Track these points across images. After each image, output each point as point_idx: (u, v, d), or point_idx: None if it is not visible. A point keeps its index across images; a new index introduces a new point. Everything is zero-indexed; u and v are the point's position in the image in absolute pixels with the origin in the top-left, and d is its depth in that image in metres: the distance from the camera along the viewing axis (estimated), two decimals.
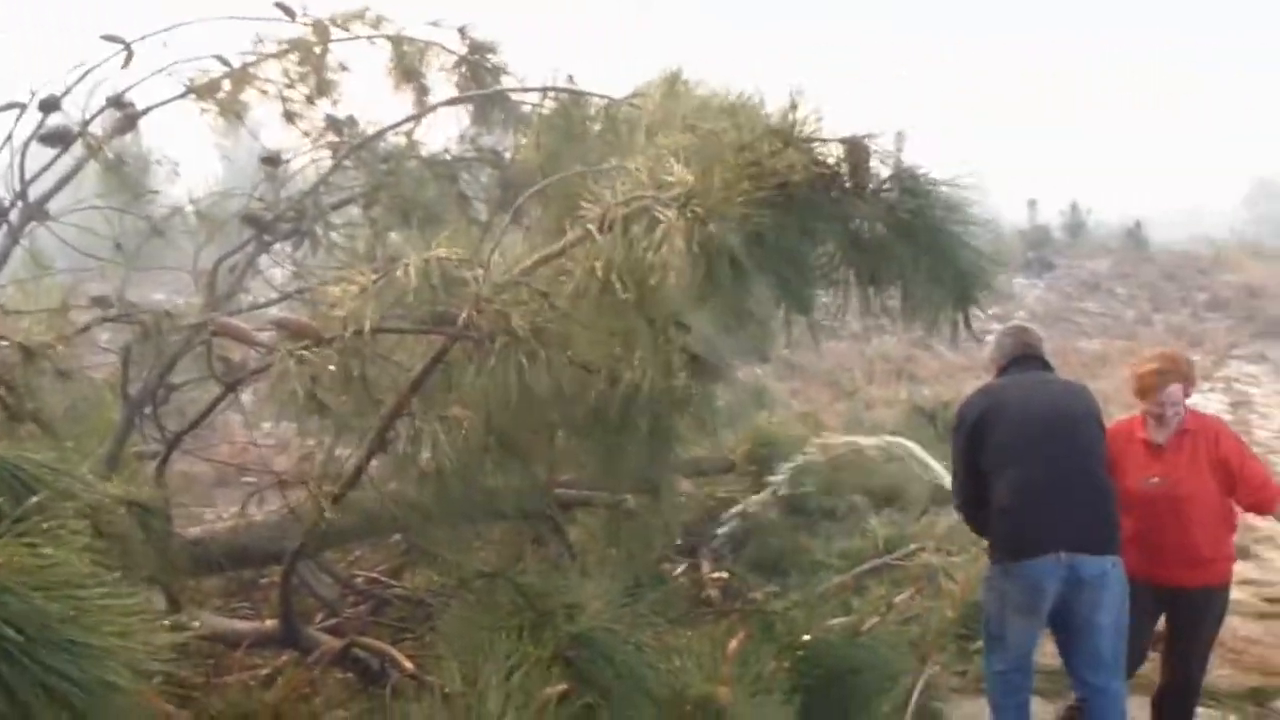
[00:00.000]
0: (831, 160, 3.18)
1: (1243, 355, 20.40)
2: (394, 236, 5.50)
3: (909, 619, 5.88)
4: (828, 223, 3.23)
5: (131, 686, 2.08)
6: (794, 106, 3.19)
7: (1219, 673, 6.01)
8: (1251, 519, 5.76)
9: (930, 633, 5.82)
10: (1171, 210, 41.95)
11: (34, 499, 2.25)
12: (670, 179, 3.12)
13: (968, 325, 3.50)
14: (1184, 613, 4.93)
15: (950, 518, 7.37)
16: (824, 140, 3.19)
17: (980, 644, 6.07)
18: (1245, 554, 7.97)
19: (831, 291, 3.56)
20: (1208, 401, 16.33)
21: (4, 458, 2.39)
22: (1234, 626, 6.49)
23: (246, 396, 4.36)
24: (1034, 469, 4.52)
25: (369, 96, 6.29)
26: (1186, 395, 4.83)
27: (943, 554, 6.94)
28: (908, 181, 3.25)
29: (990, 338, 5.27)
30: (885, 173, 3.25)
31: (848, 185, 3.18)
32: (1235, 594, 5.33)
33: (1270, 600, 7.71)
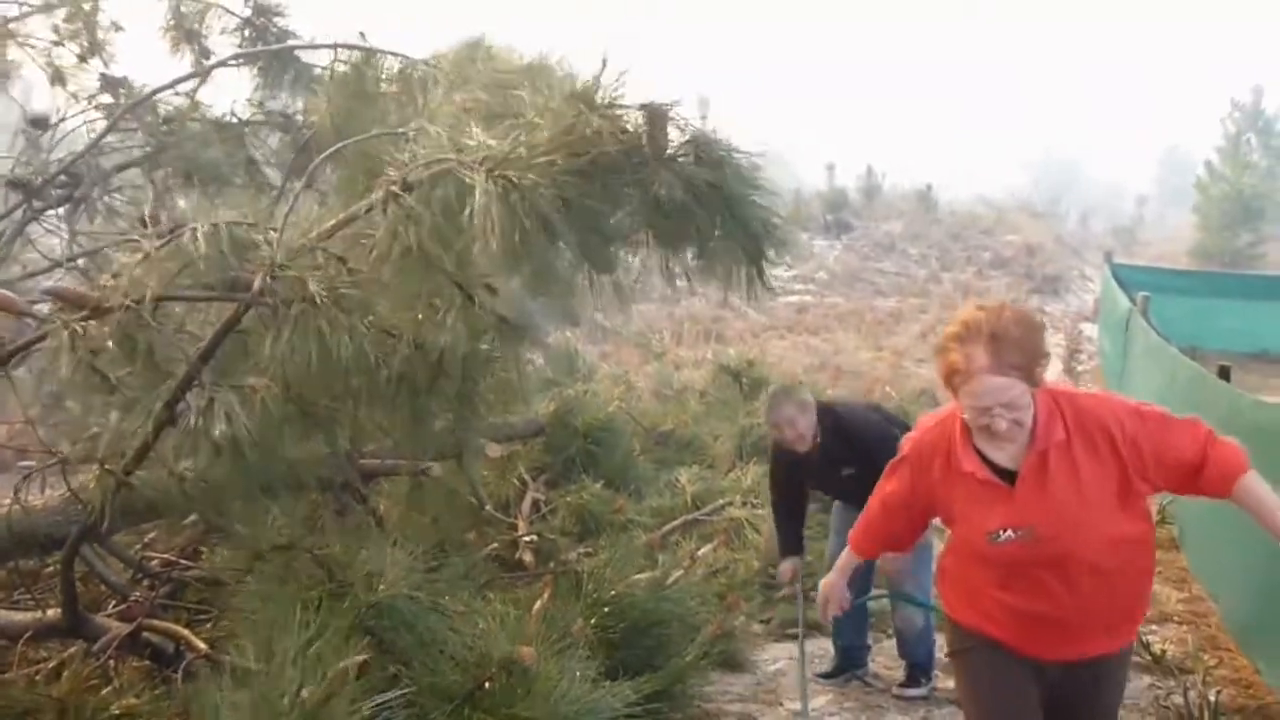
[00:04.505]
0: (632, 127, 3.23)
1: None
2: (180, 202, 5.25)
3: (716, 571, 6.09)
4: (629, 187, 3.29)
5: None
6: (598, 73, 3.22)
7: None
8: None
9: (735, 583, 6.05)
10: (958, 173, 44.22)
11: None
12: (472, 142, 3.11)
13: (762, 281, 3.63)
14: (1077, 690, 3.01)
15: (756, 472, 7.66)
16: (625, 107, 3.24)
17: (783, 592, 6.36)
18: None
19: (633, 252, 3.64)
20: None
21: None
22: None
23: (21, 373, 4.10)
24: None
25: (146, 60, 5.99)
26: (1033, 382, 2.74)
27: (748, 507, 7.21)
28: (703, 148, 3.33)
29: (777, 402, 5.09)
30: (682, 139, 3.33)
31: (648, 151, 3.23)
32: None
33: None
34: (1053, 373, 15.91)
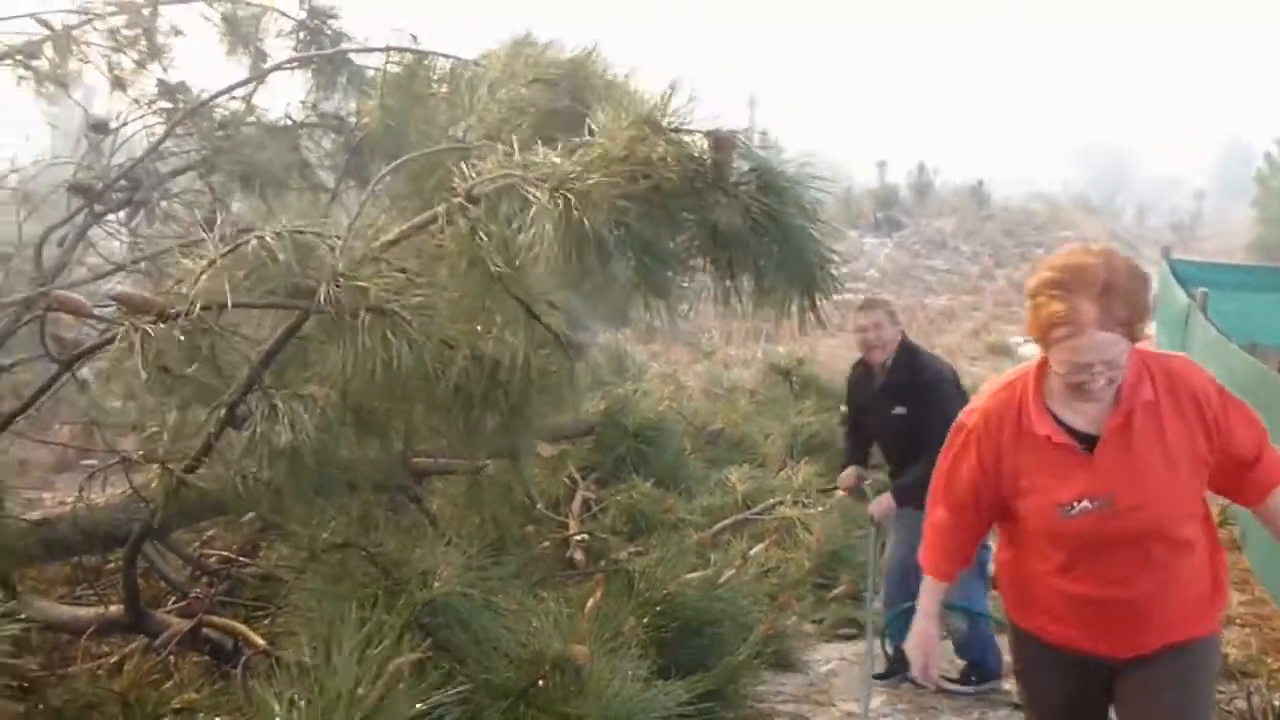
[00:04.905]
0: (697, 152, 3.23)
1: None
2: (235, 205, 5.34)
3: (767, 570, 6.07)
4: (689, 213, 3.29)
5: None
6: (665, 96, 3.22)
7: None
8: None
9: (787, 583, 6.03)
10: (1011, 169, 43.73)
11: None
12: (537, 159, 3.13)
13: (814, 313, 3.63)
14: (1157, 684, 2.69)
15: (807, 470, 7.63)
16: (690, 131, 3.23)
17: (838, 590, 6.34)
18: None
19: (689, 279, 3.65)
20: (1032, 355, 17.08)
21: None
22: None
23: (85, 374, 4.19)
24: None
25: (203, 63, 6.08)
26: (1134, 339, 2.49)
27: (799, 507, 7.18)
28: (766, 178, 3.32)
29: (874, 300, 5.42)
30: (745, 167, 3.32)
31: (711, 178, 3.23)
32: None
33: None
34: None
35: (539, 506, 5.85)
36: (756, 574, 5.68)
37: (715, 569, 4.88)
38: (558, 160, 3.13)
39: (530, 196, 3.03)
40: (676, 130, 3.20)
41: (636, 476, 6.72)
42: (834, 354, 15.46)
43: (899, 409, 4.95)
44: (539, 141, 3.31)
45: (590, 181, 3.03)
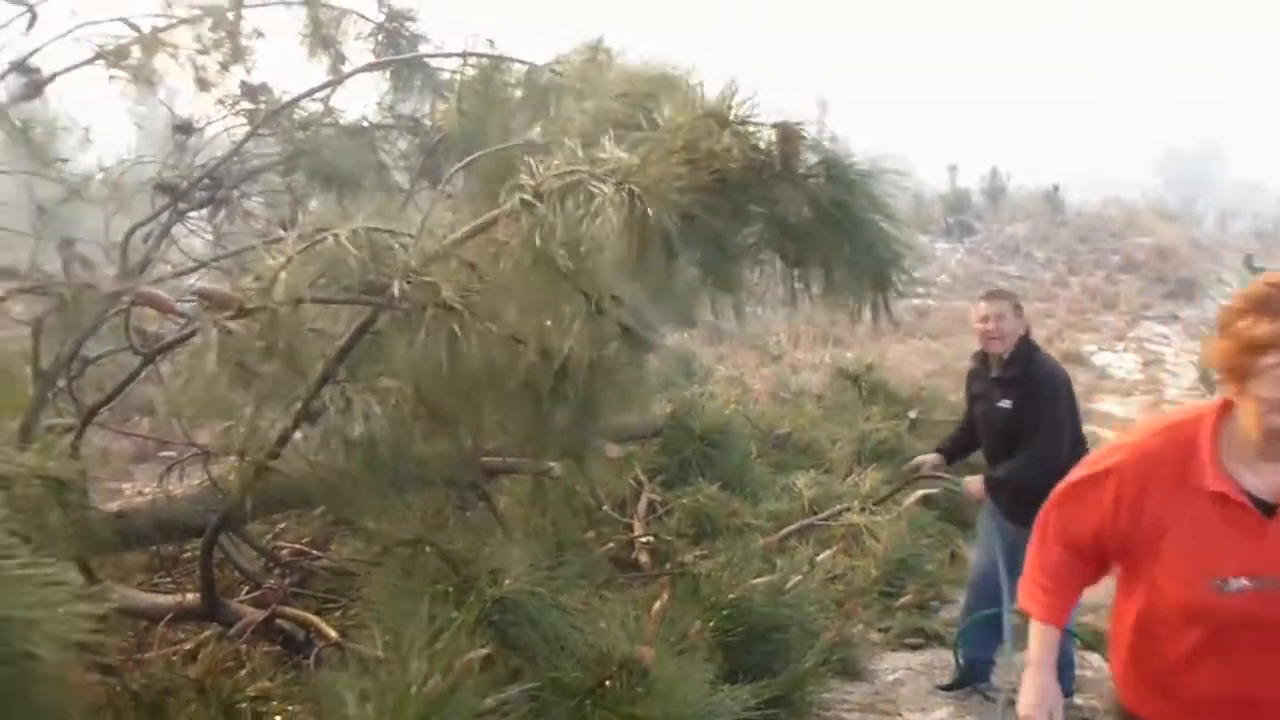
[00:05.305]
0: (763, 144, 3.22)
1: (1154, 316, 20.99)
2: (313, 204, 5.44)
3: (834, 577, 6.03)
4: (756, 205, 3.28)
5: (53, 658, 2.07)
6: (730, 89, 3.23)
7: None
8: None
9: (853, 590, 5.98)
10: (1086, 174, 42.86)
11: None
12: (604, 155, 3.15)
13: (886, 309, 3.59)
14: None
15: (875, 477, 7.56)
16: (757, 124, 3.23)
17: (904, 599, 6.28)
18: None
19: (756, 271, 3.63)
20: (1121, 362, 16.79)
21: None
22: None
23: (165, 368, 4.29)
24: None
25: (283, 64, 6.20)
26: None
27: (866, 514, 7.11)
28: (834, 170, 3.30)
29: (997, 292, 5.25)
30: (813, 159, 3.31)
31: (778, 170, 3.22)
32: None
33: None
34: (1187, 382, 15.39)
35: (605, 508, 5.87)
36: (823, 580, 5.64)
37: (781, 574, 4.85)
38: (623, 155, 3.14)
39: (595, 190, 3.05)
40: (742, 123, 3.19)
41: (702, 479, 6.72)
42: (903, 360, 15.33)
43: (1005, 402, 4.89)
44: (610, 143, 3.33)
45: (651, 172, 3.04)
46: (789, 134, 3.19)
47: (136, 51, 5.60)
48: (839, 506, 7.25)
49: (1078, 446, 4.73)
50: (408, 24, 6.04)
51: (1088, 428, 5.95)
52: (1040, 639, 2.51)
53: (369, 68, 5.81)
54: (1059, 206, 28.27)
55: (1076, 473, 2.43)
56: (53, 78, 5.26)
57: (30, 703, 2.09)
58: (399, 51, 5.98)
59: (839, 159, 3.33)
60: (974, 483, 5.09)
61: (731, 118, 3.18)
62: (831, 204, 3.24)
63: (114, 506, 4.40)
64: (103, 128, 6.37)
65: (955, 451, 5.50)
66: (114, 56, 5.49)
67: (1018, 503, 4.51)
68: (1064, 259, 24.67)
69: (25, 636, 2.04)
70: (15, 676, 2.00)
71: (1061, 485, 2.47)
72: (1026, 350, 4.94)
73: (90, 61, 5.40)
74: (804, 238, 3.32)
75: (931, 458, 5.51)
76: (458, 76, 5.46)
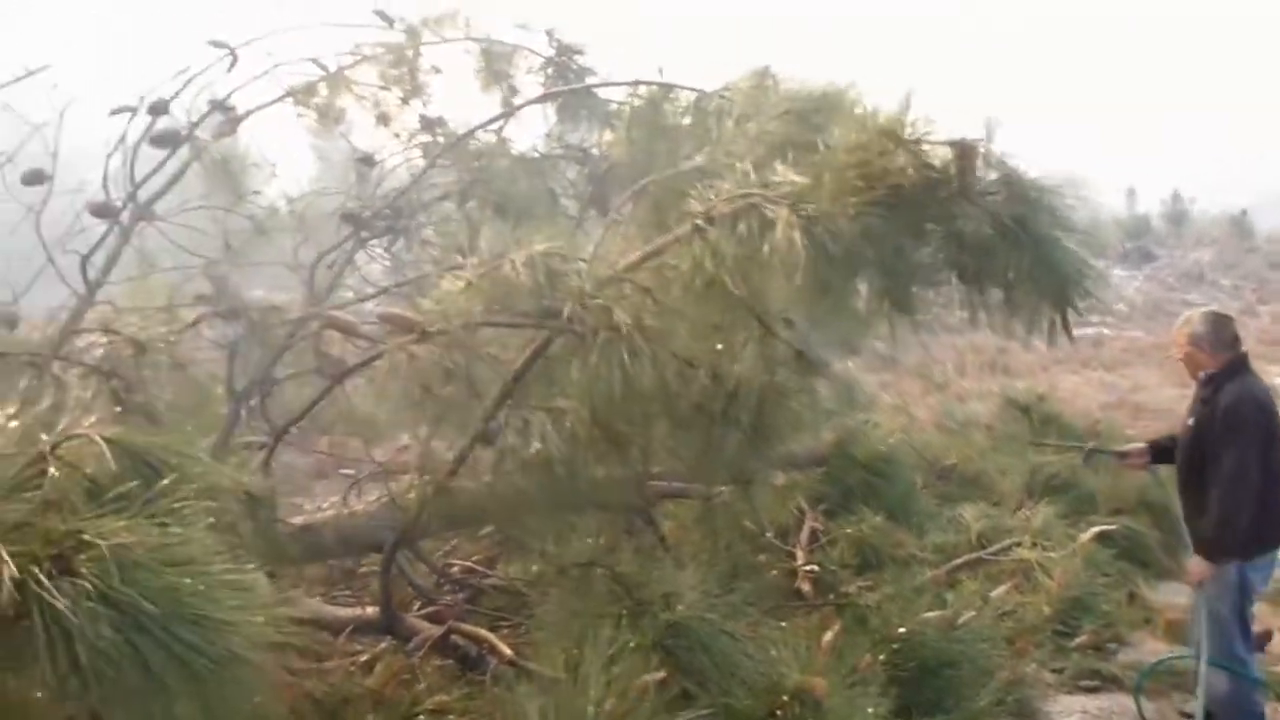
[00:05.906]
0: (939, 162, 3.17)
1: None
2: (487, 232, 5.60)
3: (1005, 614, 5.80)
4: (934, 223, 3.23)
5: (252, 658, 2.17)
6: (904, 108, 3.20)
7: None
8: None
9: (1026, 628, 5.74)
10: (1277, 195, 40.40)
11: (164, 481, 2.35)
12: (777, 179, 3.15)
13: (1065, 328, 3.47)
14: None
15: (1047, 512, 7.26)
16: (932, 142, 3.19)
17: (1079, 639, 6.00)
18: None
19: (934, 290, 3.57)
20: None
21: (135, 442, 2.49)
22: None
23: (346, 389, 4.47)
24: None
25: (456, 97, 6.43)
26: None
27: (1038, 549, 6.82)
28: (1014, 186, 3.23)
29: (1192, 317, 4.98)
30: (991, 175, 3.24)
31: (955, 187, 3.17)
32: None
33: None
34: None
35: (768, 534, 5.81)
36: (994, 617, 5.44)
37: (954, 609, 4.70)
38: (796, 177, 3.13)
39: (770, 213, 3.04)
40: (917, 141, 3.15)
41: (866, 509, 6.57)
42: (1076, 391, 14.71)
43: (1191, 419, 4.69)
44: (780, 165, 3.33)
45: (825, 193, 3.02)
46: (967, 150, 3.15)
47: (323, 89, 5.90)
48: (1009, 540, 6.99)
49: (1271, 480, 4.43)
50: (575, 57, 6.19)
51: None
52: None
53: (540, 99, 5.97)
54: (1248, 231, 26.74)
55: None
56: (248, 115, 5.57)
57: (229, 700, 2.21)
58: (567, 84, 6.13)
59: (1018, 175, 3.25)
60: (1194, 570, 4.72)
61: (906, 135, 3.13)
62: (1012, 220, 3.16)
63: (299, 520, 4.60)
64: (283, 160, 6.71)
65: (1162, 452, 5.15)
66: (303, 95, 5.80)
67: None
68: (1253, 286, 23.31)
69: (227, 637, 2.14)
70: (220, 676, 2.11)
71: None
72: (1228, 372, 4.64)
73: (279, 100, 5.71)
74: (983, 254, 3.25)
75: (1135, 447, 5.33)
76: (625, 106, 5.56)
